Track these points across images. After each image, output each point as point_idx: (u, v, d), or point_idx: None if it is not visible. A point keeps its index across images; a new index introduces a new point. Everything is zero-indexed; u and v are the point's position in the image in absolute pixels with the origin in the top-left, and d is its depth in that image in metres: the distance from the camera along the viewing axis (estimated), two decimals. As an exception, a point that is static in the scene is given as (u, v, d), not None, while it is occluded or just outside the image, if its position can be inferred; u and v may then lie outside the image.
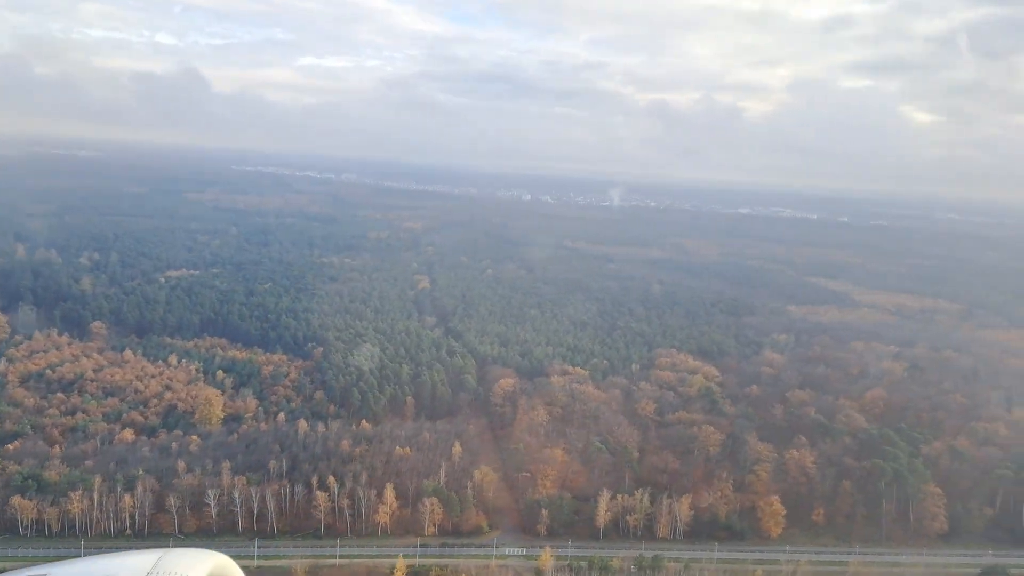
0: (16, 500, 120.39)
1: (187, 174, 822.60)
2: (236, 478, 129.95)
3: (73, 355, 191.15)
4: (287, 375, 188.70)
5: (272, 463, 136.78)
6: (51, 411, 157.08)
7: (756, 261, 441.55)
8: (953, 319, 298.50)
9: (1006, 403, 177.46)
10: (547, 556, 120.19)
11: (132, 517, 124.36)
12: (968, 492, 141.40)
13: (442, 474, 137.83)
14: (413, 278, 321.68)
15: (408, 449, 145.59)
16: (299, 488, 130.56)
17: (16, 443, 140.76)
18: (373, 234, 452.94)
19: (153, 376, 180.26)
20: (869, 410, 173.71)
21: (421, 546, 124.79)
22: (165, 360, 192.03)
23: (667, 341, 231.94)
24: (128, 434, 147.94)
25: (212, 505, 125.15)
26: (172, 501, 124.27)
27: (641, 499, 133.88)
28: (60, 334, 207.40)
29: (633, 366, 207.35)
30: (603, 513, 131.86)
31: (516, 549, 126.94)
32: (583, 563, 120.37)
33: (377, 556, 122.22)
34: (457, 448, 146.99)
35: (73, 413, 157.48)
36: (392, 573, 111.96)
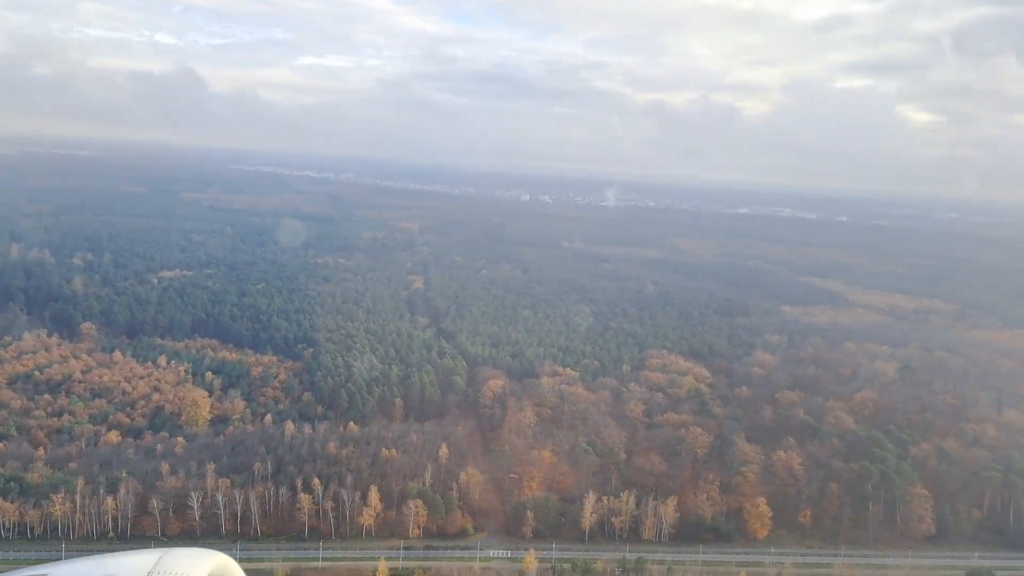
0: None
1: (186, 174, 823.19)
2: (220, 480, 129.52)
3: (62, 356, 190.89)
4: (276, 376, 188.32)
5: (257, 465, 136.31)
6: (37, 413, 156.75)
7: (753, 261, 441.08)
8: (947, 319, 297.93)
9: (996, 404, 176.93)
10: (531, 558, 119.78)
11: (115, 520, 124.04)
12: (956, 494, 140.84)
13: (428, 476, 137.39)
14: (407, 278, 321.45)
15: (394, 451, 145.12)
16: (283, 490, 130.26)
17: (0, 445, 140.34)
18: (369, 234, 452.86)
19: (141, 377, 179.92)
20: (858, 411, 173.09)
21: (405, 548, 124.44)
22: (154, 361, 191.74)
23: (659, 342, 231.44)
24: (114, 436, 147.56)
25: (195, 508, 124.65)
26: (155, 503, 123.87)
27: (627, 501, 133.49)
28: (50, 335, 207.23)
29: (624, 367, 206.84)
30: (589, 515, 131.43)
31: (501, 551, 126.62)
32: (567, 565, 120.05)
33: (360, 558, 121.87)
34: (444, 450, 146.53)
35: (59, 415, 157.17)
36: (374, 575, 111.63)
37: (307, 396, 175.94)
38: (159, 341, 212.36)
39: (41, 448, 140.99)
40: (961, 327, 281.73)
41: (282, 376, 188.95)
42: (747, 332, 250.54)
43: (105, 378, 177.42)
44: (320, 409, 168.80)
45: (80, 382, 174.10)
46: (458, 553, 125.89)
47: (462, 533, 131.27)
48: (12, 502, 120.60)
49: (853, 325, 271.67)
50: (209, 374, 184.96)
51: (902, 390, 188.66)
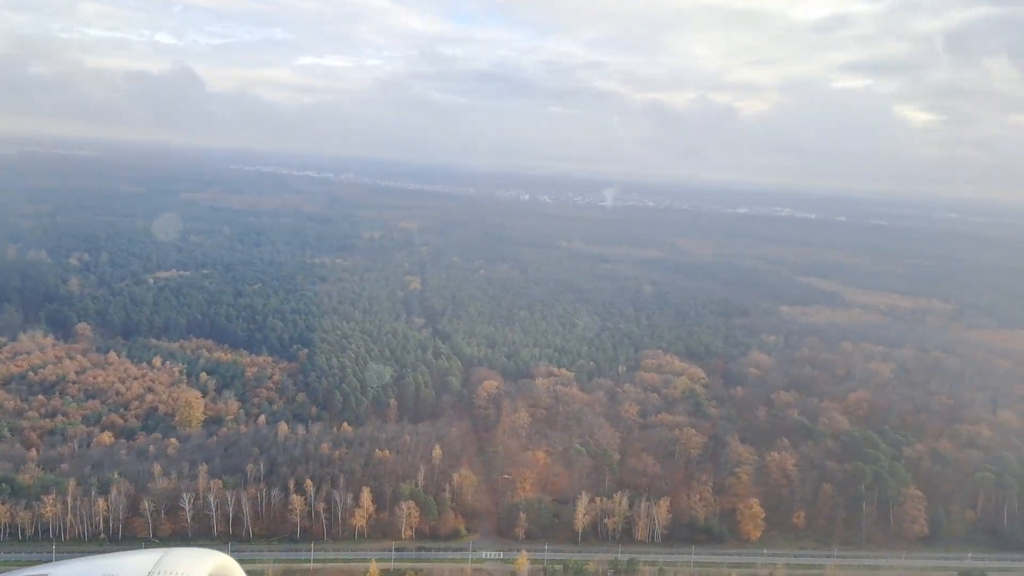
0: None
1: (185, 174, 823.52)
2: (212, 481, 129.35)
3: (57, 357, 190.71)
4: (271, 377, 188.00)
5: (250, 466, 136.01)
6: (31, 413, 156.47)
7: (752, 261, 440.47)
8: (944, 320, 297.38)
9: (991, 405, 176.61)
10: (523, 559, 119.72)
11: (106, 521, 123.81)
12: (949, 495, 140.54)
13: (421, 477, 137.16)
14: (404, 279, 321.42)
15: (388, 452, 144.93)
16: (276, 491, 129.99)
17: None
18: (367, 234, 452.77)
19: (136, 378, 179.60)
20: (853, 412, 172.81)
21: (397, 550, 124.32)
22: (149, 362, 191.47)
23: (655, 342, 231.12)
24: (107, 437, 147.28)
25: (187, 509, 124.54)
26: (147, 505, 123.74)
27: (620, 502, 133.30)
28: (45, 335, 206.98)
29: (620, 367, 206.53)
30: (581, 516, 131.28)
31: (493, 552, 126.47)
32: (558, 566, 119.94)
33: (352, 560, 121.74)
34: (437, 451, 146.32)
35: (53, 416, 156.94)
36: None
37: (301, 397, 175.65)
38: (154, 342, 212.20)
39: (33, 449, 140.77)
40: (958, 327, 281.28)
41: (277, 377, 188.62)
42: (744, 332, 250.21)
43: (99, 379, 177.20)
44: (314, 410, 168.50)
45: (74, 383, 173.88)
46: (450, 554, 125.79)
47: (455, 534, 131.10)
48: (3, 503, 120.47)
49: (850, 325, 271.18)
50: (203, 375, 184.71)
51: (897, 390, 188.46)
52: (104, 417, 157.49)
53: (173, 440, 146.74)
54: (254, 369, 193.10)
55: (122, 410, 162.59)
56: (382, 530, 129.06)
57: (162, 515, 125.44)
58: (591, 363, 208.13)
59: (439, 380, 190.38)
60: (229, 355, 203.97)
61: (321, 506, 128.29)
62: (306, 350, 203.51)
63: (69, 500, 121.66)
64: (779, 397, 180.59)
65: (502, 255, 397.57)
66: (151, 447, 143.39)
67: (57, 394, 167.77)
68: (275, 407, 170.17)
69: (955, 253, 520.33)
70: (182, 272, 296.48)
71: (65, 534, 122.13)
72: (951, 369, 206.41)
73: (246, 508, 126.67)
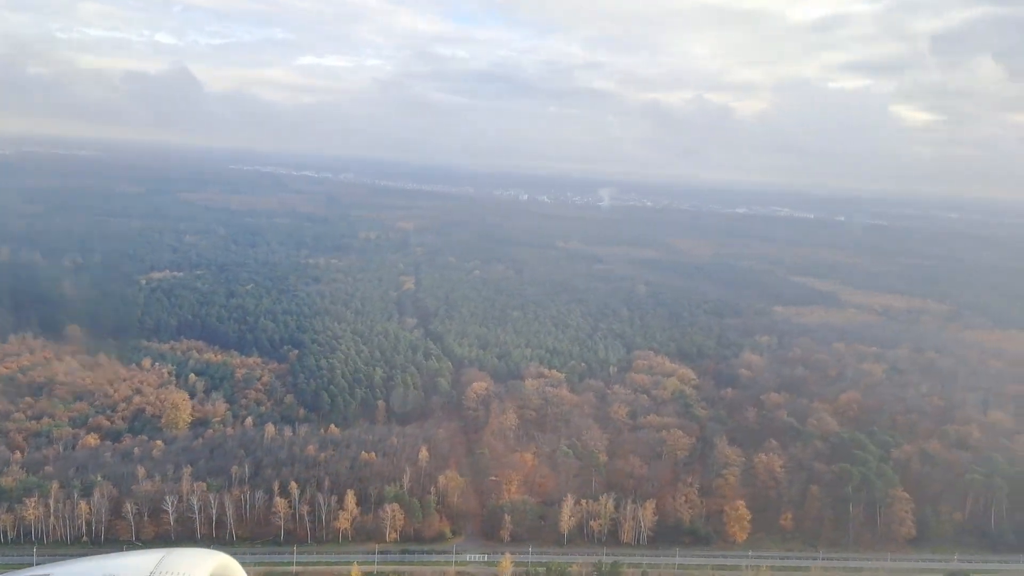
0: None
1: (184, 174, 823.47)
2: (196, 484, 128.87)
3: (46, 358, 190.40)
4: (260, 378, 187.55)
5: (235, 468, 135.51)
6: (17, 415, 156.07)
7: (748, 261, 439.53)
8: (940, 320, 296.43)
9: (982, 406, 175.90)
10: (507, 562, 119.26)
11: (88, 524, 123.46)
12: (938, 496, 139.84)
13: (406, 479, 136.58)
14: (398, 279, 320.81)
15: (373, 454, 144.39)
16: (260, 494, 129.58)
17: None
18: (363, 234, 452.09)
19: (124, 380, 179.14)
20: (843, 413, 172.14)
21: (380, 552, 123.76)
22: (139, 363, 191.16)
23: (647, 343, 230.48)
24: (92, 439, 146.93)
25: (170, 512, 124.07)
26: (129, 507, 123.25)
27: (606, 504, 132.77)
28: (35, 337, 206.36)
29: (611, 368, 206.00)
30: (567, 518, 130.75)
31: (477, 555, 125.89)
32: (542, 569, 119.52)
33: (335, 563, 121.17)
34: (424, 453, 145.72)
35: (39, 418, 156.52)
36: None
37: (289, 398, 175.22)
38: (145, 343, 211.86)
39: (18, 451, 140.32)
40: (954, 327, 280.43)
41: (265, 378, 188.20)
42: (737, 333, 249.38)
43: (87, 380, 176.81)
44: (302, 411, 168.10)
45: (63, 384, 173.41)
46: (434, 557, 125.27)
47: (440, 537, 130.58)
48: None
49: (845, 325, 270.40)
50: (192, 376, 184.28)
51: (888, 391, 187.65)
52: (91, 419, 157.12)
53: (159, 442, 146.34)
54: (243, 370, 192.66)
55: (109, 412, 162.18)
56: (366, 533, 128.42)
57: (145, 518, 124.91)
58: (582, 364, 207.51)
59: (429, 381, 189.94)
60: (219, 356, 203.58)
61: (305, 509, 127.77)
62: (296, 351, 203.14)
63: (51, 503, 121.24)
64: (769, 398, 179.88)
65: (498, 255, 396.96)
66: (136, 449, 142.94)
67: (45, 396, 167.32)
68: (263, 409, 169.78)
69: (953, 253, 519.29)
70: (176, 273, 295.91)
71: (47, 537, 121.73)
72: (944, 370, 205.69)
73: (230, 511, 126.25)
